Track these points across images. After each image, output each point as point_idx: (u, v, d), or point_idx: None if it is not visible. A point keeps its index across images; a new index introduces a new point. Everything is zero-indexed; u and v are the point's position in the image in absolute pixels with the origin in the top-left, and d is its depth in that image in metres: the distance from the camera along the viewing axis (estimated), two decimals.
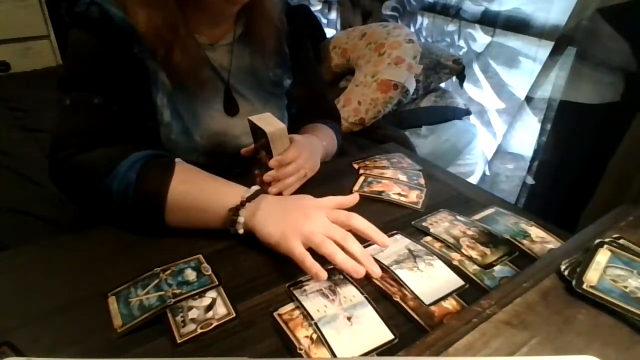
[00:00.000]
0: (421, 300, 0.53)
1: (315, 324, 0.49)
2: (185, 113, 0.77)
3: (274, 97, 0.88)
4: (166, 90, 0.74)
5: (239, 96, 0.83)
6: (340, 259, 0.52)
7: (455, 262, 0.60)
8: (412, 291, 0.55)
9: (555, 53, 1.05)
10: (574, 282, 0.45)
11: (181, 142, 0.77)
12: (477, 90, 1.67)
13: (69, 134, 0.67)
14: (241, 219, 0.60)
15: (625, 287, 0.45)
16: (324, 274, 0.52)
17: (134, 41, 0.69)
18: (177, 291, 0.54)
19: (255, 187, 0.64)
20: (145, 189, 0.62)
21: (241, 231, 0.61)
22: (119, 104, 0.69)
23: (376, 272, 0.52)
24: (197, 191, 0.63)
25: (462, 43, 1.67)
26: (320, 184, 0.79)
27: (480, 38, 1.59)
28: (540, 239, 0.65)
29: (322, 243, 0.53)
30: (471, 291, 0.55)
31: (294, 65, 0.90)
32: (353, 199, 0.64)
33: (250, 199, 0.61)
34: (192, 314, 0.51)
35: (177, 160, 0.67)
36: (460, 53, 1.66)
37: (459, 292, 0.55)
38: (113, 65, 0.69)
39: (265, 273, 0.59)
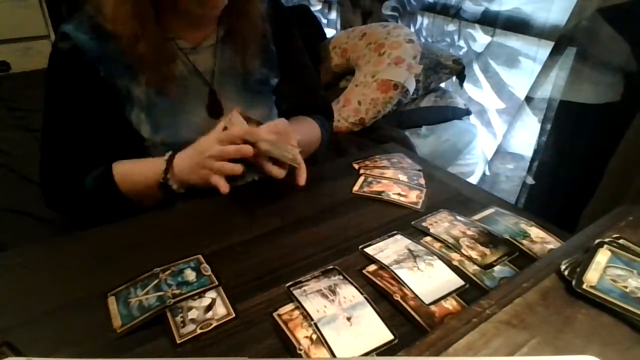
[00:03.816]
0: (421, 300, 0.53)
1: (315, 324, 0.49)
2: (167, 123, 0.78)
3: (261, 96, 0.87)
4: (142, 105, 0.76)
5: (223, 98, 0.82)
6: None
7: (455, 262, 0.60)
8: (412, 291, 0.55)
9: (555, 53, 1.05)
10: (574, 282, 0.45)
11: (165, 149, 0.75)
12: (477, 90, 1.67)
13: (50, 164, 0.79)
14: (174, 185, 0.72)
15: (625, 287, 0.45)
16: (225, 188, 0.65)
17: (100, 65, 0.73)
18: (177, 291, 0.54)
19: (169, 153, 0.72)
20: (100, 182, 0.75)
21: (175, 187, 0.72)
22: (89, 130, 0.76)
23: (249, 152, 0.65)
24: (133, 168, 0.76)
25: (462, 43, 1.67)
26: (320, 184, 0.79)
27: (480, 38, 1.59)
28: (540, 239, 0.65)
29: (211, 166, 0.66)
30: (471, 291, 0.55)
31: (282, 62, 0.89)
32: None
33: (167, 165, 0.71)
34: (192, 314, 0.51)
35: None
36: (460, 53, 1.66)
37: (459, 292, 0.55)
38: (82, 95, 0.74)
39: (265, 273, 0.59)
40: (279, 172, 0.69)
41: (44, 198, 0.80)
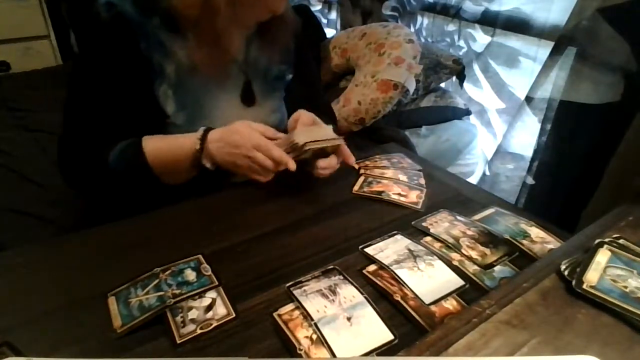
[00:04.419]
0: (421, 300, 0.53)
1: (315, 324, 0.49)
2: (192, 103, 0.79)
3: (275, 91, 0.90)
4: (171, 83, 0.77)
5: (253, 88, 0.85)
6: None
7: (456, 262, 0.60)
8: (412, 291, 0.55)
9: (555, 53, 1.05)
10: (574, 282, 0.45)
11: (185, 129, 0.77)
12: (477, 90, 1.67)
13: (71, 137, 0.77)
14: (207, 164, 0.72)
15: (625, 287, 0.45)
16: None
17: (141, 37, 0.73)
18: (177, 291, 0.54)
19: (202, 129, 0.73)
20: (127, 153, 0.74)
21: (209, 165, 0.73)
22: (115, 102, 0.75)
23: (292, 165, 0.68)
24: (162, 146, 0.75)
25: (462, 43, 1.66)
26: (320, 183, 0.79)
27: (480, 38, 1.59)
28: (540, 239, 0.65)
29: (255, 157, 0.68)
30: (471, 291, 0.55)
31: (296, 61, 0.91)
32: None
33: (201, 143, 0.72)
34: (192, 314, 0.51)
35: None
36: (460, 53, 1.66)
37: (459, 292, 0.55)
38: (116, 64, 0.73)
39: (265, 273, 0.59)
40: (332, 163, 0.75)
41: (60, 170, 0.79)
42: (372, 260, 0.60)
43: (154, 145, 0.74)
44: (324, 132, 0.73)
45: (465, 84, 1.64)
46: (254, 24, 0.81)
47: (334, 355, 0.46)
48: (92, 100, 0.76)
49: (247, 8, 0.74)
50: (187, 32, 0.75)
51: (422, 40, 1.81)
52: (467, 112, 1.65)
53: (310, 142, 0.69)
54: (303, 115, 0.77)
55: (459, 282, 0.57)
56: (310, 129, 0.74)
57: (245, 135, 0.70)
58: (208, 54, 0.76)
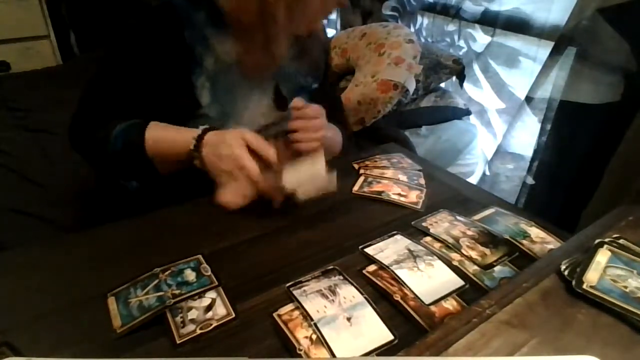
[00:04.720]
0: (421, 301, 0.53)
1: (315, 324, 0.49)
2: (226, 98, 0.81)
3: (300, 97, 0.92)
4: (209, 75, 0.79)
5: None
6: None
7: (455, 263, 0.60)
8: (412, 291, 0.55)
9: (555, 53, 1.05)
10: (574, 282, 0.45)
11: (216, 122, 0.79)
12: (477, 90, 1.67)
13: (87, 114, 0.80)
14: (196, 160, 0.71)
15: (625, 287, 0.45)
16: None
17: (187, 27, 0.76)
18: (177, 292, 0.54)
19: (202, 127, 0.72)
20: (130, 142, 0.75)
21: (198, 161, 0.72)
22: (148, 86, 0.77)
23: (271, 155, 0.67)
24: (164, 136, 0.75)
25: (462, 43, 1.67)
26: None
27: (480, 38, 1.59)
28: (540, 239, 0.65)
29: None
30: (471, 291, 0.55)
31: (323, 77, 0.95)
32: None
33: (197, 141, 0.71)
34: (192, 314, 0.51)
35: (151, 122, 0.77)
36: (460, 53, 1.66)
37: (459, 293, 0.55)
38: (157, 50, 0.76)
39: (265, 273, 0.59)
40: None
41: (70, 137, 0.81)
42: (372, 260, 0.60)
43: (156, 133, 0.75)
44: (316, 170, 0.71)
45: (465, 84, 1.64)
46: (305, 32, 0.82)
47: (333, 355, 0.46)
48: (123, 83, 0.78)
49: (304, 17, 0.75)
50: (234, 32, 0.77)
51: (422, 40, 1.82)
52: (467, 112, 1.65)
53: (299, 189, 0.67)
54: (312, 107, 0.78)
55: (459, 282, 0.57)
56: (301, 164, 0.72)
57: (230, 147, 0.68)
58: (254, 57, 0.79)
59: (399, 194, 0.77)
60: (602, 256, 0.49)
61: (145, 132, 0.74)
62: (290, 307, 0.52)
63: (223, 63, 0.79)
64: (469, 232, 0.66)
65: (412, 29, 1.84)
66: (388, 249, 0.62)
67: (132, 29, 0.79)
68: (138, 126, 0.75)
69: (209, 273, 0.57)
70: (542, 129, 1.13)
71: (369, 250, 0.62)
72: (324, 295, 0.53)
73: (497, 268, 0.60)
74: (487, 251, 0.62)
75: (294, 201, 0.68)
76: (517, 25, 1.42)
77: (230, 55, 0.79)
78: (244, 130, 0.70)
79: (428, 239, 0.65)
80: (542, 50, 1.33)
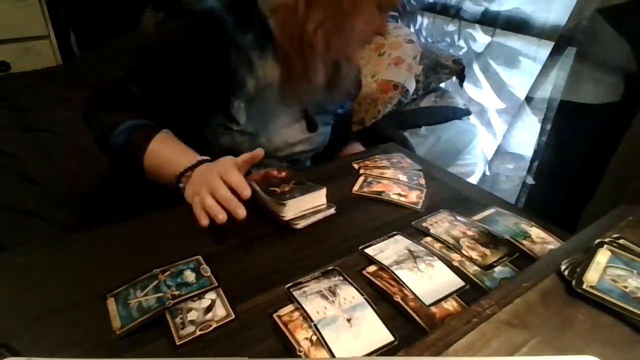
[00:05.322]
0: (422, 301, 0.53)
1: (315, 325, 0.49)
2: (259, 118, 0.83)
3: (326, 121, 0.96)
4: (248, 97, 0.80)
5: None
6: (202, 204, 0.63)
7: (456, 263, 0.60)
8: (412, 292, 0.55)
9: (555, 53, 1.05)
10: (574, 282, 0.45)
11: (246, 142, 0.82)
12: (477, 90, 1.67)
13: (104, 100, 0.79)
14: (181, 185, 0.71)
15: (625, 287, 0.45)
16: (205, 221, 0.61)
17: (234, 49, 0.76)
18: (176, 292, 0.54)
19: (199, 159, 0.71)
20: (133, 143, 0.75)
21: (182, 185, 0.71)
22: (182, 100, 0.77)
23: (240, 214, 0.60)
24: (166, 151, 0.75)
25: (462, 43, 1.67)
26: (320, 184, 0.78)
27: (480, 38, 1.59)
28: (540, 239, 0.65)
29: (202, 198, 0.63)
30: (471, 292, 0.55)
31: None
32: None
33: (187, 170, 0.70)
34: (192, 315, 0.51)
35: (164, 130, 0.76)
36: (460, 53, 1.66)
37: (459, 293, 0.55)
38: (200, 68, 0.75)
39: (265, 274, 0.59)
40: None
41: (88, 103, 0.80)
42: (372, 260, 0.60)
43: (159, 146, 0.74)
44: (317, 205, 0.70)
45: (465, 84, 1.64)
46: (343, 59, 0.85)
47: (333, 356, 0.46)
48: (159, 79, 0.76)
49: (342, 45, 0.77)
50: (276, 56, 0.79)
51: (422, 40, 1.81)
52: (467, 112, 1.65)
53: (299, 220, 0.67)
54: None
55: (459, 282, 0.57)
56: (303, 198, 0.69)
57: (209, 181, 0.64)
58: (292, 82, 0.80)
59: (399, 194, 0.77)
60: (602, 256, 0.49)
61: (152, 142, 0.74)
62: (290, 308, 0.52)
63: (260, 86, 0.80)
64: (469, 233, 0.66)
65: (412, 29, 1.84)
66: (388, 250, 0.62)
67: (178, 33, 0.77)
68: (147, 131, 0.75)
69: (209, 274, 0.57)
70: (542, 129, 1.13)
71: (369, 251, 0.62)
72: (324, 296, 0.53)
73: (497, 269, 0.60)
74: (488, 251, 0.62)
75: (292, 227, 0.68)
76: (517, 25, 1.42)
77: (269, 79, 0.80)
78: (229, 169, 0.64)
79: (428, 239, 0.65)
80: (542, 50, 1.33)
